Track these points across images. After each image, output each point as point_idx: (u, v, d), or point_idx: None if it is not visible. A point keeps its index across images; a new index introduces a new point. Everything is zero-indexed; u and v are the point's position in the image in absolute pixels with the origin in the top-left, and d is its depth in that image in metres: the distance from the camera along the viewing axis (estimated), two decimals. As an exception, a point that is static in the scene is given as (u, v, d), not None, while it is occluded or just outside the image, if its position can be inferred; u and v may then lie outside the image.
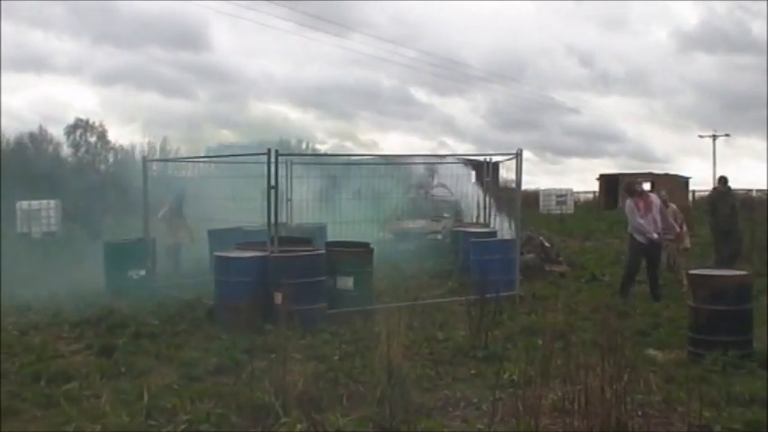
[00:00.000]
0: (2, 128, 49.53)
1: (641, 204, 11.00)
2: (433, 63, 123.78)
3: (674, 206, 12.48)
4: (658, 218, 11.00)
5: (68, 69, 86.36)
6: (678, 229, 11.69)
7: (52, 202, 24.12)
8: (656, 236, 10.87)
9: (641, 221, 10.93)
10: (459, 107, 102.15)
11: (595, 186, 49.29)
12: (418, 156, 22.17)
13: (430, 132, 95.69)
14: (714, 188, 14.96)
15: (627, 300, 10.56)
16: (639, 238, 10.93)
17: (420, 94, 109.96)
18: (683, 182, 51.00)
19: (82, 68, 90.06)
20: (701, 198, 46.57)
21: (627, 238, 11.61)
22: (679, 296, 10.69)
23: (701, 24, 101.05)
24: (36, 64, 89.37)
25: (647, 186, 46.81)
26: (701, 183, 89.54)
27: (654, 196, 11.37)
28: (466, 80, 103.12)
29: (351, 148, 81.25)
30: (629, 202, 11.20)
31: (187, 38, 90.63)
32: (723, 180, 13.90)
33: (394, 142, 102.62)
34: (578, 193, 47.65)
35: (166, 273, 12.92)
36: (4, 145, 47.37)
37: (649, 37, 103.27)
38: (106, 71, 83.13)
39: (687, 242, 12.44)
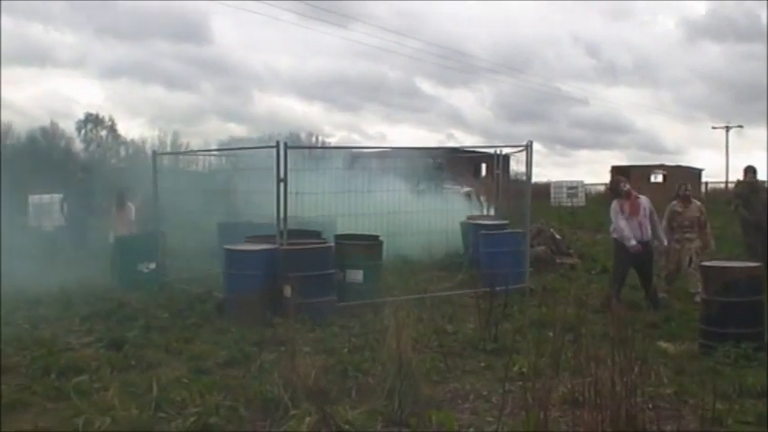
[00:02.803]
0: (4, 122, 49.90)
1: (626, 206, 9.86)
2: (438, 54, 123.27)
3: (698, 203, 11.06)
4: (646, 222, 9.83)
5: (71, 63, 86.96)
6: (665, 242, 10.30)
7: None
8: (634, 242, 9.65)
9: (623, 225, 9.79)
10: (465, 99, 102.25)
11: (606, 178, 49.05)
12: (428, 148, 22.07)
13: (437, 124, 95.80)
14: (740, 180, 13.36)
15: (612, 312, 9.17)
16: (626, 243, 9.78)
17: (426, 86, 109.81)
18: (696, 174, 50.80)
19: (85, 62, 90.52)
20: (714, 190, 46.37)
21: (611, 243, 10.45)
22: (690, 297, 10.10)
23: (709, 13, 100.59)
24: (39, 58, 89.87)
25: (659, 178, 46.78)
26: (713, 175, 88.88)
27: (643, 199, 10.05)
28: (472, 71, 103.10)
29: (358, 140, 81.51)
30: (614, 204, 10.03)
31: (189, 30, 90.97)
32: (752, 170, 12.79)
33: (402, 134, 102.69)
34: (589, 185, 47.42)
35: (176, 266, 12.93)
36: (8, 140, 47.69)
37: (656, 26, 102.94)
38: (109, 65, 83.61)
39: (712, 244, 10.91)
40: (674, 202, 10.86)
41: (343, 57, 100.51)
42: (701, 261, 9.45)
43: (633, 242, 9.67)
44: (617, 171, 48.61)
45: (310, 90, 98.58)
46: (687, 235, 10.57)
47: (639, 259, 9.81)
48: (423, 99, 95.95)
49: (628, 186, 10.13)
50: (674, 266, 10.63)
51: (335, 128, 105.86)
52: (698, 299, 9.08)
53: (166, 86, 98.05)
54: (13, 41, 72.53)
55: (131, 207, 13.46)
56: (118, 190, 13.75)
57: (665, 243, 10.28)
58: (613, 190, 10.35)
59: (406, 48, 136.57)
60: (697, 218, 10.68)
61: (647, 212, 9.89)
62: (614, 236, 10.01)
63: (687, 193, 10.85)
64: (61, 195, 16.07)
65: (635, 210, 9.82)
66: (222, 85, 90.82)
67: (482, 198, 18.58)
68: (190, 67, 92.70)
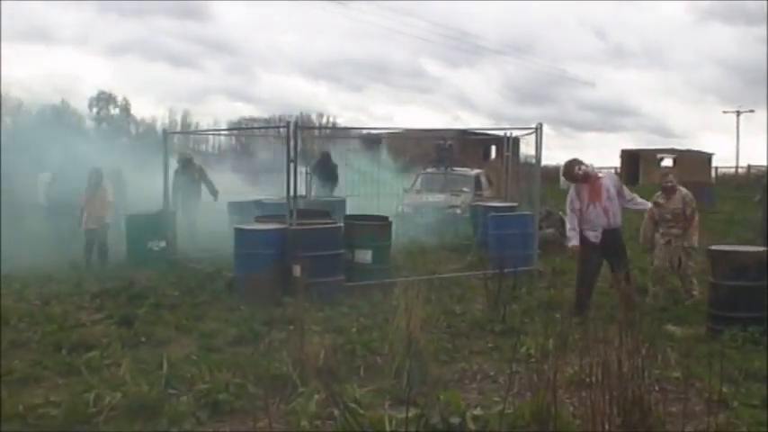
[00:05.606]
0: (15, 99, 49.89)
1: (585, 192, 8.40)
2: (445, 34, 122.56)
3: (683, 190, 9.36)
4: (612, 206, 8.37)
5: (75, 40, 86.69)
6: (648, 205, 9.04)
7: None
8: (574, 243, 8.45)
9: (569, 218, 8.66)
10: (472, 80, 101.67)
11: (615, 162, 48.95)
12: (438, 130, 22.06)
13: (445, 106, 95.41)
14: None
15: (584, 317, 7.46)
16: (589, 234, 8.38)
17: (432, 67, 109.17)
18: (706, 158, 50.58)
19: (88, 39, 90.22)
20: (724, 175, 46.16)
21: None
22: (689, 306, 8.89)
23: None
24: (43, 35, 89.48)
25: (668, 162, 46.51)
26: (723, 159, 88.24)
27: (606, 179, 8.69)
28: (478, 52, 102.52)
29: (366, 121, 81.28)
30: (570, 191, 8.67)
31: (190, 7, 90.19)
32: None
33: (409, 116, 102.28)
34: (599, 168, 47.28)
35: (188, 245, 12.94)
36: (19, 118, 47.75)
37: (665, 8, 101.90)
38: (113, 42, 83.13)
39: (695, 240, 9.16)
40: (658, 194, 9.43)
41: (349, 36, 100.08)
42: (694, 259, 9.09)
43: (573, 242, 8.48)
44: (627, 155, 48.54)
45: (316, 70, 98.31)
46: (672, 230, 9.14)
47: (607, 251, 8.40)
48: (429, 80, 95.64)
49: (584, 167, 8.58)
50: (660, 263, 9.23)
51: (343, 108, 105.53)
52: (688, 302, 8.91)
53: (171, 64, 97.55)
54: (17, 18, 72.37)
55: (107, 189, 12.25)
56: (91, 170, 12.27)
57: (649, 206, 9.04)
58: (568, 175, 8.77)
59: (413, 28, 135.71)
60: (680, 209, 9.18)
61: (613, 193, 8.46)
62: (582, 227, 8.50)
63: (670, 184, 9.27)
64: (47, 175, 15.56)
65: (596, 194, 8.37)
66: (227, 64, 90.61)
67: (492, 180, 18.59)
68: (193, 45, 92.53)
